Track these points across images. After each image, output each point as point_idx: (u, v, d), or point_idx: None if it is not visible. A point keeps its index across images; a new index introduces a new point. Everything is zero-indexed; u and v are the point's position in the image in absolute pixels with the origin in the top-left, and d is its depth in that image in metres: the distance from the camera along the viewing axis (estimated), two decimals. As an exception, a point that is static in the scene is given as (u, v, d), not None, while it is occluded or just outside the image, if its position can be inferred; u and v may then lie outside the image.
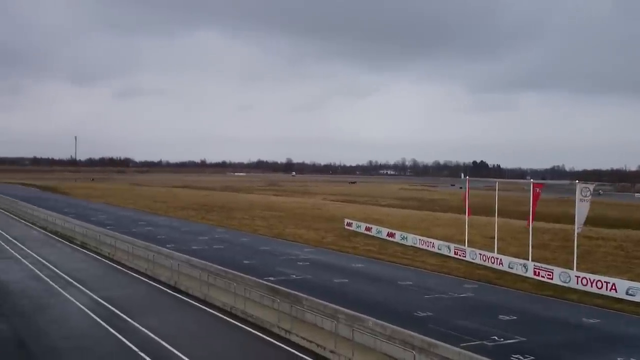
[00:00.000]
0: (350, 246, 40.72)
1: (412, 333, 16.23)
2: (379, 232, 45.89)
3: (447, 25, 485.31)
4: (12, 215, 61.61)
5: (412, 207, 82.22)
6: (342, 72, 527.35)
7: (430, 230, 49.23)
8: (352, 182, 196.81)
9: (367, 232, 47.02)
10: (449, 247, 37.19)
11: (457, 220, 54.16)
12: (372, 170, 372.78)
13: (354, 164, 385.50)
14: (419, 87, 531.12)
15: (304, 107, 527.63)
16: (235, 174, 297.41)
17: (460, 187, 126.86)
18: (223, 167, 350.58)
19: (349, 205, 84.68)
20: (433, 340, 15.59)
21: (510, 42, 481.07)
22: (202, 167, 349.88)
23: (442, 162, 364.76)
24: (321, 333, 18.71)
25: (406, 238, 42.06)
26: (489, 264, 32.94)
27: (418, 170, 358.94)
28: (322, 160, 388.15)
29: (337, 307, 19.26)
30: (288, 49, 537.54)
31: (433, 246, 38.69)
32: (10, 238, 42.87)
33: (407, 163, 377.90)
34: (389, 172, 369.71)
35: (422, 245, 39.72)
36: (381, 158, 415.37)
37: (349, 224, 50.89)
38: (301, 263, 33.18)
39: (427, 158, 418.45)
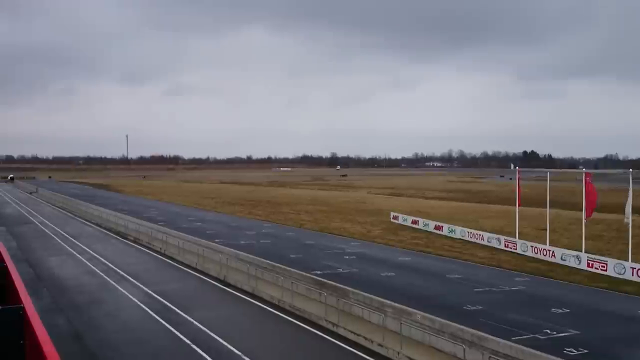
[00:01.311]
0: (396, 239, 40.47)
1: (462, 327, 16.03)
2: (425, 225, 45.43)
3: (493, 13, 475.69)
4: (67, 213, 63.90)
5: (460, 199, 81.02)
6: (387, 64, 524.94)
7: (479, 222, 48.42)
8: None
9: (414, 225, 46.62)
10: (498, 240, 36.48)
11: (507, 212, 53.06)
12: (417, 162, 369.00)
13: (399, 157, 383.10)
14: (466, 77, 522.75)
15: (348, 101, 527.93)
16: (281, 169, 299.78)
17: (510, 178, 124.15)
18: (269, 162, 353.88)
19: (395, 198, 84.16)
20: (483, 334, 15.37)
21: (558, 29, 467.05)
22: (248, 162, 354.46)
23: (490, 152, 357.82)
24: (369, 326, 18.70)
25: (454, 231, 41.49)
26: (541, 256, 32.15)
27: (465, 162, 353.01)
28: (367, 154, 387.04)
29: (384, 300, 19.22)
30: (332, 43, 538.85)
31: (482, 239, 38.03)
32: (67, 235, 44.50)
33: (454, 154, 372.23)
34: (435, 164, 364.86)
35: (471, 237, 39.10)
36: (427, 150, 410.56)
37: (395, 217, 50.56)
38: (347, 257, 33.19)
39: (474, 149, 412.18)
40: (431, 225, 44.70)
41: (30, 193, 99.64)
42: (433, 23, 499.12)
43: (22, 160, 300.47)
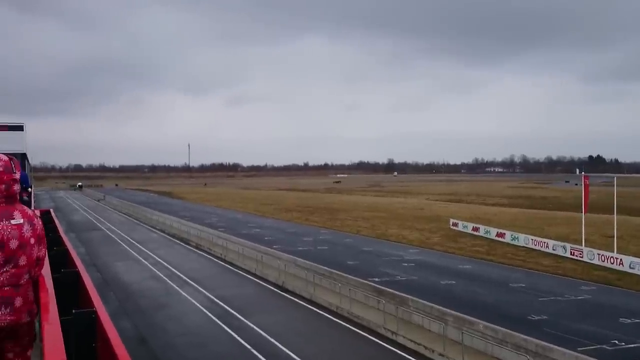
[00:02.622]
0: (456, 247, 39.74)
1: (526, 337, 15.60)
2: (487, 232, 44.37)
3: (555, 16, 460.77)
4: (133, 220, 66.19)
5: (523, 205, 78.71)
6: (446, 68, 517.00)
7: (543, 229, 46.86)
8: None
9: (475, 233, 45.62)
10: (564, 247, 35.21)
11: (573, 218, 51.14)
12: (478, 168, 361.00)
13: (458, 162, 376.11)
14: (528, 80, 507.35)
15: (406, 106, 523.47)
16: (337, 175, 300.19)
17: (576, 184, 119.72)
18: (325, 169, 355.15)
19: (454, 204, 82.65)
20: (548, 344, 14.90)
21: (625, 29, 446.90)
22: (305, 169, 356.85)
23: (554, 157, 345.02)
24: (429, 335, 18.44)
25: (517, 238, 40.32)
26: (608, 264, 30.81)
27: (528, 167, 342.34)
28: (425, 160, 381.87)
29: (444, 309, 18.93)
30: (390, 48, 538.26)
31: (547, 246, 36.80)
32: (133, 241, 46.08)
33: (516, 159, 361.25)
34: (496, 170, 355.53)
35: (535, 245, 37.90)
36: (488, 155, 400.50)
37: (455, 224, 49.65)
38: (406, 264, 32.86)
39: (538, 154, 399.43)
40: (493, 232, 43.63)
41: (98, 200, 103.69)
42: (493, 26, 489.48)
43: (90, 168, 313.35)
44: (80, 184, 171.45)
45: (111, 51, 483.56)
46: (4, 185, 3.12)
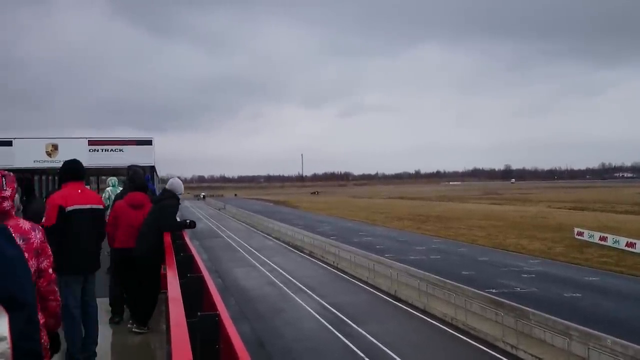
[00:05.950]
0: (582, 258, 37.27)
1: (662, 357, 14.29)
2: (615, 241, 41.18)
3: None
4: (251, 227, 68.82)
5: (657, 213, 72.11)
6: (569, 71, 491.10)
7: (681, 239, 42.64)
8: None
9: (602, 242, 42.50)
10: None
11: None
12: (605, 173, 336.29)
13: (582, 168, 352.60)
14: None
15: (526, 111, 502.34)
16: (450, 183, 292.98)
17: None
18: (437, 176, 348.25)
19: (578, 213, 77.52)
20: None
21: None
22: (416, 177, 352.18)
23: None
24: (552, 350, 17.51)
25: (650, 249, 37.05)
26: None
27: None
28: (545, 166, 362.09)
29: (569, 323, 17.88)
30: (510, 53, 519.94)
31: (686, 258, 33.49)
32: (250, 248, 47.92)
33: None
34: (625, 175, 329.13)
35: (672, 256, 34.61)
36: (616, 160, 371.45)
37: (580, 233, 46.57)
38: (526, 275, 31.33)
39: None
40: (622, 242, 40.42)
41: (219, 209, 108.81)
42: (617, 26, 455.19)
43: (212, 179, 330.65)
44: (203, 194, 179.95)
45: (234, 69, 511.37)
46: None
